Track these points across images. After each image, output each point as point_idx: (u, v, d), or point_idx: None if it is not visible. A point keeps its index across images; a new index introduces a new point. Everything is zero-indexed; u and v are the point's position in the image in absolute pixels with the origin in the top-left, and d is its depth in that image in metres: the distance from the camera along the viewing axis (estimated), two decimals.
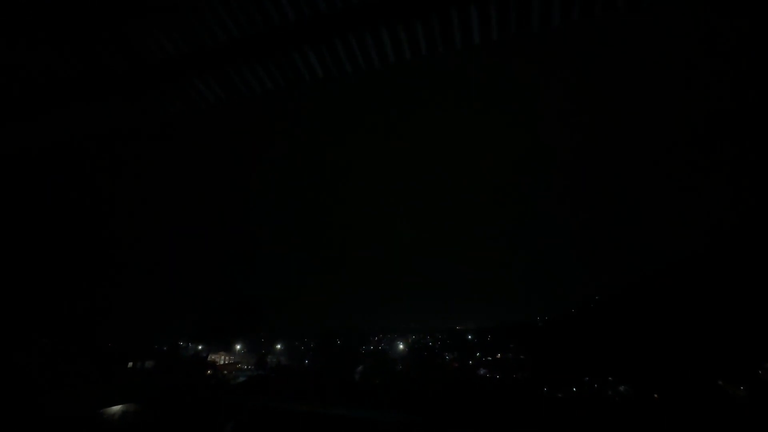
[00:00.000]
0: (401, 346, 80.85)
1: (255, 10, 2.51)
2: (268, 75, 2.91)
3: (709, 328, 55.87)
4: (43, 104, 3.04)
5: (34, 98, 2.99)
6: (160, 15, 2.57)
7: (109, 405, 17.78)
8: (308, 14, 2.47)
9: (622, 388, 52.91)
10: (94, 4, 2.51)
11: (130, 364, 30.15)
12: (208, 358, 40.82)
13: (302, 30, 2.54)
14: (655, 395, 45.70)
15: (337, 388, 24.63)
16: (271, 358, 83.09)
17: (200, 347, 39.23)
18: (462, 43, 2.41)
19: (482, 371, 71.24)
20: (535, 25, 2.22)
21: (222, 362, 70.83)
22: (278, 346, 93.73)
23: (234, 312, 38.61)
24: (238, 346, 76.78)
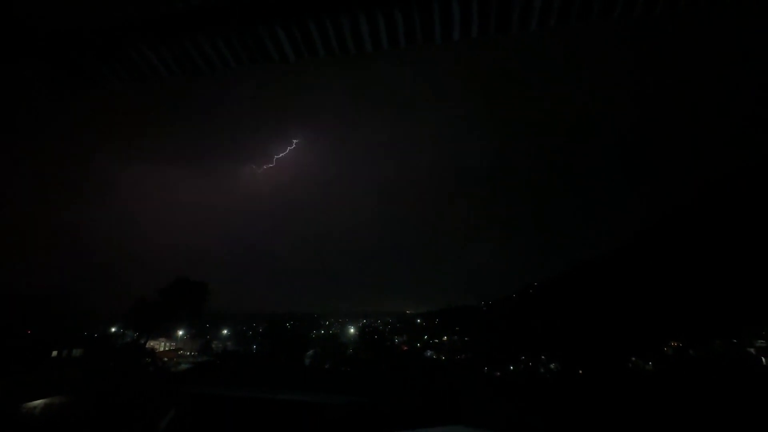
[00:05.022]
0: (352, 330, 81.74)
1: None
2: (231, 51, 2.66)
3: (624, 314, 63.30)
4: None
5: None
6: None
7: (29, 399, 16.09)
8: None
9: (552, 365, 58.26)
10: None
11: (55, 352, 27.57)
12: (147, 345, 38.37)
13: (272, 6, 2.35)
14: (580, 371, 50.89)
15: (287, 373, 24.38)
16: (216, 343, 79.90)
17: (137, 334, 36.64)
18: (441, 37, 2.37)
19: (429, 353, 74.46)
20: (515, 28, 2.25)
21: (162, 349, 66.93)
22: (224, 332, 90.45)
23: (175, 296, 36.35)
24: (180, 332, 72.79)
